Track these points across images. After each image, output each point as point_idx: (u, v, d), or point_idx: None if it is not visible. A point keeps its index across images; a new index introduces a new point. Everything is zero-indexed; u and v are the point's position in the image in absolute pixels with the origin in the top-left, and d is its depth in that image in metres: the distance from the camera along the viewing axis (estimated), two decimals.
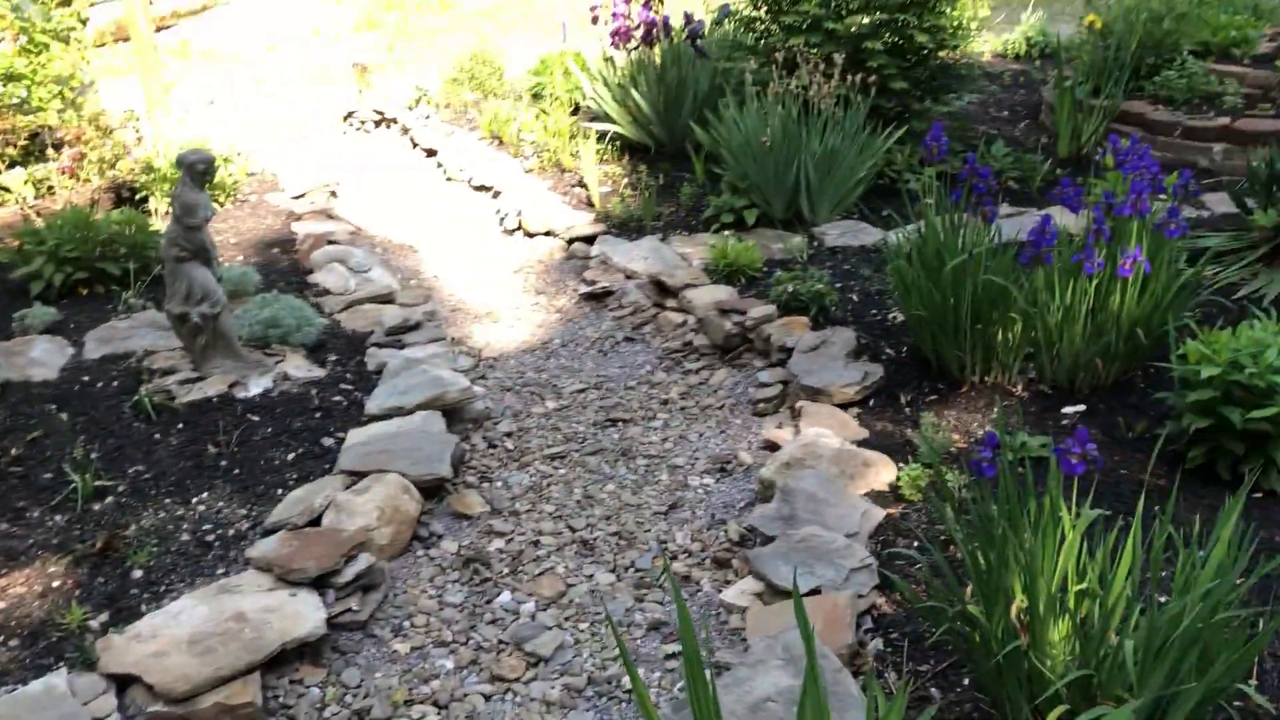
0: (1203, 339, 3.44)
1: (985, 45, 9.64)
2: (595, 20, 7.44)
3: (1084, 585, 2.43)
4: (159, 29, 15.70)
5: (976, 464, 2.55)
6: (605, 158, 7.18)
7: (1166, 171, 4.18)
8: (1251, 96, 6.40)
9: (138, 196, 6.54)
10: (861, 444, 3.82)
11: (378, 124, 9.18)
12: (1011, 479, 2.44)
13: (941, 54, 6.55)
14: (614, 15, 7.10)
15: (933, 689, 2.69)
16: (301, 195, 7.13)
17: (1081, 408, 3.89)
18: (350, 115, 9.29)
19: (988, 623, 2.42)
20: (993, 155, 6.42)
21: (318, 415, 4.20)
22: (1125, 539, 2.39)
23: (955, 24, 6.59)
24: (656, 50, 7.06)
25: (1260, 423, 3.24)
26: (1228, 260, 4.93)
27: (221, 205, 6.90)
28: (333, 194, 7.29)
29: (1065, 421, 3.86)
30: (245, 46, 15.10)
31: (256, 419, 4.14)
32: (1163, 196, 3.99)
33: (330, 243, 6.03)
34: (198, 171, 4.14)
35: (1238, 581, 2.32)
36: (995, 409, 3.94)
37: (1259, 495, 3.34)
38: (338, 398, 4.34)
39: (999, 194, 5.33)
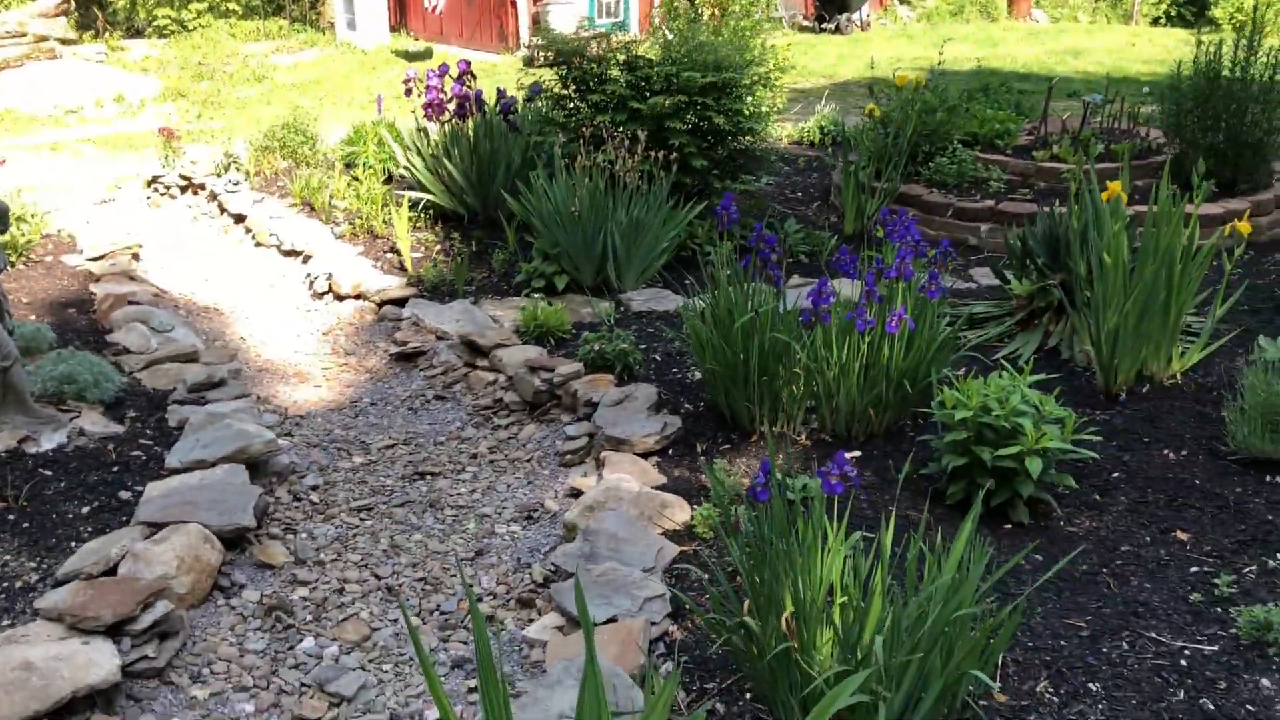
0: (958, 387, 3.83)
1: (784, 132, 10.29)
2: (409, 92, 7.63)
3: (845, 598, 2.69)
4: None
5: (752, 489, 2.79)
6: (419, 225, 7.31)
7: (935, 246, 4.63)
8: (1013, 182, 7.10)
9: None
10: (660, 488, 4.03)
11: (184, 189, 9.03)
12: (781, 501, 2.68)
13: (740, 137, 7.00)
14: (428, 88, 7.30)
15: (717, 704, 2.88)
16: (100, 257, 6.95)
17: (858, 453, 4.23)
18: (155, 180, 9.11)
19: (761, 632, 2.64)
20: (786, 231, 6.88)
21: (115, 469, 4.12)
22: (878, 559, 2.66)
23: (753, 110, 7.07)
24: (470, 123, 7.28)
25: (1006, 460, 3.63)
26: (990, 325, 5.45)
27: (13, 265, 6.66)
28: (135, 256, 7.14)
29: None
30: (43, 109, 14.57)
31: (49, 473, 4.03)
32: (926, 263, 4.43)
33: (131, 303, 5.91)
34: None
35: (979, 587, 2.61)
36: (780, 455, 4.23)
37: (1009, 526, 3.72)
38: (136, 452, 4.27)
39: (786, 263, 5.73)
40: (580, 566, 3.48)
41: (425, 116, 7.39)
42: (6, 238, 6.53)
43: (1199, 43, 6.81)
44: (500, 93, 7.48)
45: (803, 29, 19.54)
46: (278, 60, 18.18)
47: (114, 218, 8.51)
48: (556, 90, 7.14)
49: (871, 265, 4.41)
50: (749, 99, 7.03)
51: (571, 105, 7.13)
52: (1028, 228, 5.43)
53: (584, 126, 6.50)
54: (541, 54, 6.96)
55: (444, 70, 7.41)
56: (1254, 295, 5.67)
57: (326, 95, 15.43)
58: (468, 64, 7.37)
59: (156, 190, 9.05)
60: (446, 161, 7.18)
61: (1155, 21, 25.85)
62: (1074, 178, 6.99)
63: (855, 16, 19.65)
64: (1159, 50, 17.68)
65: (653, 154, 6.33)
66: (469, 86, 7.33)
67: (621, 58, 6.78)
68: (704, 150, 6.80)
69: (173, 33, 20.89)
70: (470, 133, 7.24)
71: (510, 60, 17.22)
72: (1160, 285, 4.45)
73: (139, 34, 21.39)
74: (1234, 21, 21.80)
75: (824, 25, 19.45)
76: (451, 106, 7.30)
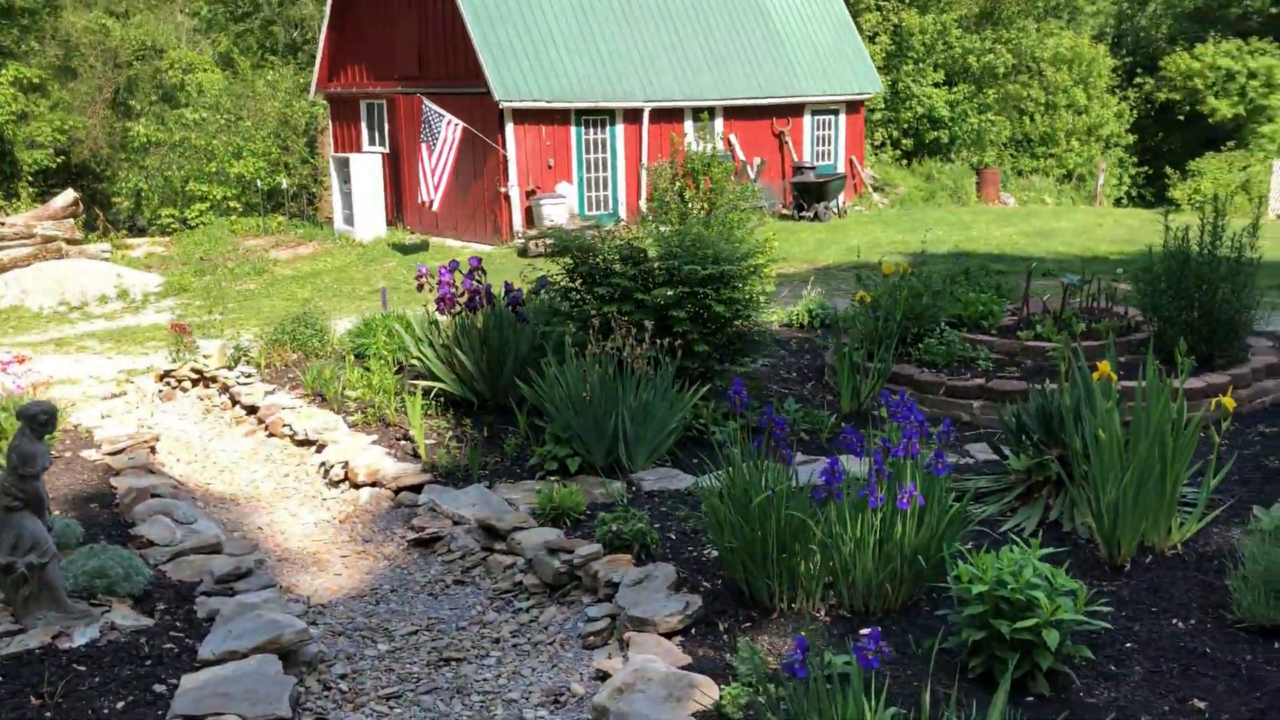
0: (972, 561, 3.97)
1: (773, 316, 10.69)
2: (420, 287, 7.98)
3: None
4: None
5: (789, 666, 2.91)
6: (430, 412, 7.52)
7: (934, 424, 4.86)
8: (1000, 361, 7.42)
9: None
10: (686, 668, 4.11)
11: (195, 383, 9.26)
12: (820, 676, 2.80)
13: (737, 323, 7.34)
14: (440, 283, 7.65)
15: None
16: (119, 451, 7.11)
17: (877, 629, 4.32)
18: (168, 374, 9.35)
19: None
20: (786, 410, 7.13)
21: (148, 663, 4.18)
22: None
23: (748, 297, 7.43)
24: (480, 315, 7.60)
25: (1024, 632, 3.75)
26: (991, 499, 5.63)
27: None
28: (151, 450, 7.29)
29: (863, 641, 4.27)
30: (48, 306, 14.97)
31: (83, 669, 4.08)
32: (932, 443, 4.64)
33: (154, 495, 6.04)
34: (39, 423, 4.25)
35: None
36: (801, 631, 4.33)
37: (1030, 698, 3.80)
38: (169, 645, 4.33)
39: (794, 442, 5.95)
40: None
41: (438, 309, 7.71)
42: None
43: (1166, 227, 7.25)
44: (508, 286, 7.83)
45: (782, 217, 20.40)
46: (277, 254, 18.80)
47: (127, 411, 8.70)
48: (564, 283, 7.50)
49: (877, 444, 4.62)
50: (745, 287, 7.39)
51: (576, 296, 7.48)
52: (1022, 405, 5.68)
53: (592, 316, 6.81)
54: (539, 244, 7.36)
55: (454, 265, 7.79)
56: (1242, 465, 5.88)
57: (326, 287, 15.91)
58: (479, 260, 7.76)
59: (168, 383, 9.28)
60: (458, 351, 7.46)
61: (1118, 202, 27.11)
62: (1060, 356, 7.33)
63: (832, 204, 20.56)
64: (1124, 230, 18.53)
65: (658, 341, 6.63)
66: (479, 281, 7.68)
67: (626, 253, 7.16)
68: (705, 336, 7.11)
69: (175, 230, 21.65)
70: (480, 324, 7.54)
71: (503, 250, 17.88)
72: (1155, 459, 4.67)
73: (142, 233, 22.15)
74: (1192, 202, 22.88)
75: (803, 213, 20.33)
76: (463, 300, 7.64)
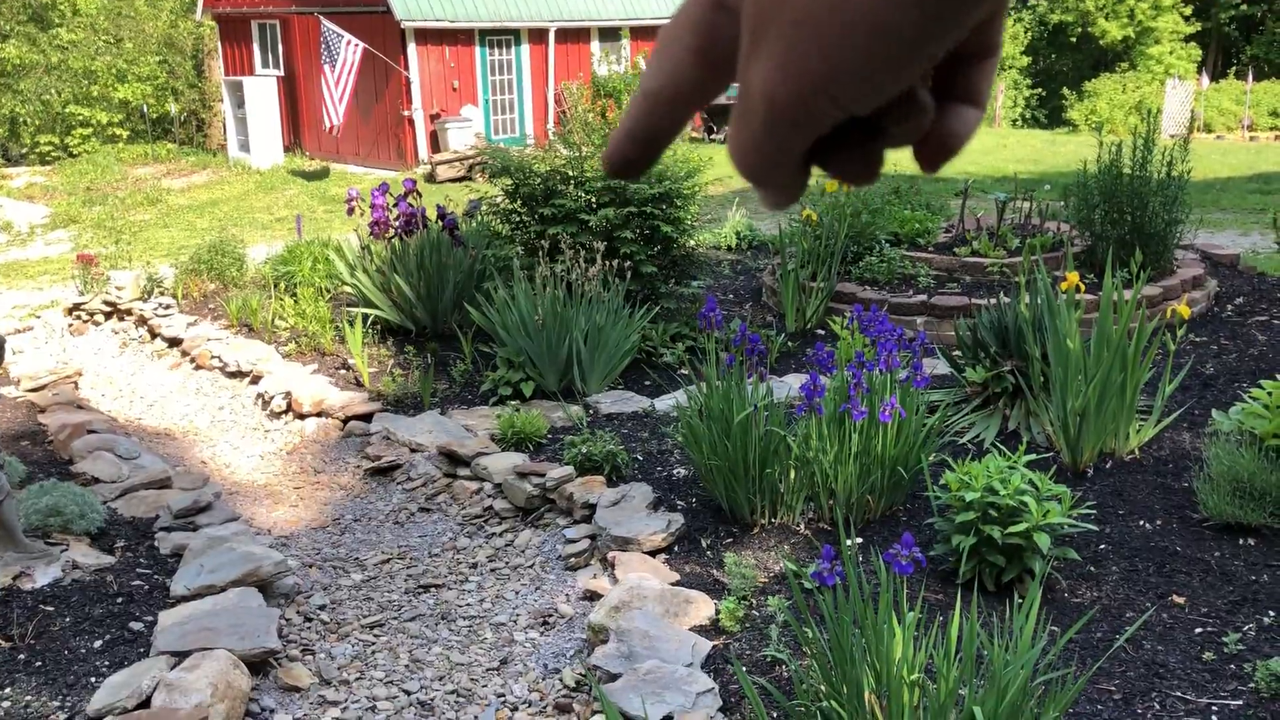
0: (960, 470, 4.04)
1: (700, 238, 10.64)
2: (351, 211, 7.70)
3: (915, 676, 2.81)
4: None
5: (819, 575, 2.91)
6: (368, 342, 7.32)
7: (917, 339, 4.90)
8: (940, 277, 7.52)
9: None
10: (675, 585, 4.11)
11: (108, 316, 8.84)
12: (855, 583, 2.81)
13: (683, 242, 7.27)
14: (373, 206, 7.39)
15: None
16: (41, 387, 6.76)
17: (859, 540, 4.39)
18: (77, 307, 8.90)
19: (845, 714, 2.74)
20: (733, 331, 7.11)
21: (119, 601, 4.00)
22: (943, 635, 2.80)
23: (693, 217, 7.37)
24: (414, 239, 7.38)
25: (1015, 537, 3.83)
26: (948, 411, 5.73)
27: None
28: (74, 385, 6.95)
29: (848, 553, 4.32)
30: None
31: (51, 609, 3.89)
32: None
33: (90, 431, 5.76)
34: None
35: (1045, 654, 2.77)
36: (787, 545, 4.37)
37: (1020, 600, 3.91)
38: (138, 582, 4.16)
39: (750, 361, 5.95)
40: (626, 666, 3.52)
41: (371, 234, 7.47)
42: None
43: (1100, 144, 7.38)
44: (440, 209, 7.62)
45: (693, 140, 20.28)
46: (170, 183, 17.99)
47: (36, 348, 8.28)
48: (504, 205, 7.32)
49: (850, 357, 4.64)
50: (691, 208, 7.32)
51: (517, 219, 7.32)
52: (979, 318, 5.76)
53: (541, 238, 6.67)
54: (449, 169, 7.15)
55: (385, 188, 7.53)
56: (1177, 373, 6.09)
57: (227, 216, 15.31)
58: (413, 183, 7.51)
59: (78, 317, 8.84)
60: (396, 277, 7.24)
61: (1014, 124, 27.66)
62: (995, 270, 7.46)
63: None
64: (1028, 150, 18.93)
65: (606, 263, 6.53)
66: (413, 204, 7.45)
67: (572, 173, 7.01)
68: (651, 257, 7.03)
69: (57, 159, 20.53)
70: (415, 248, 7.33)
71: (408, 176, 17.42)
72: (1117, 367, 4.79)
73: (18, 162, 20.93)
74: (1089, 122, 23.45)
75: (713, 136, 20.24)
76: (397, 224, 7.40)
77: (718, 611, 3.90)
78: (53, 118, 20.99)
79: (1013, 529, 3.81)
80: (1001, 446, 5.00)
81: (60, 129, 21.07)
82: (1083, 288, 5.02)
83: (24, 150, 21.43)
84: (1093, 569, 4.10)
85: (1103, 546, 4.25)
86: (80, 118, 20.69)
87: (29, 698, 3.39)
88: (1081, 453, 4.88)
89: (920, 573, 3.89)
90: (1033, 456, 4.18)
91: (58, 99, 20.73)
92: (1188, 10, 27.23)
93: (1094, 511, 4.31)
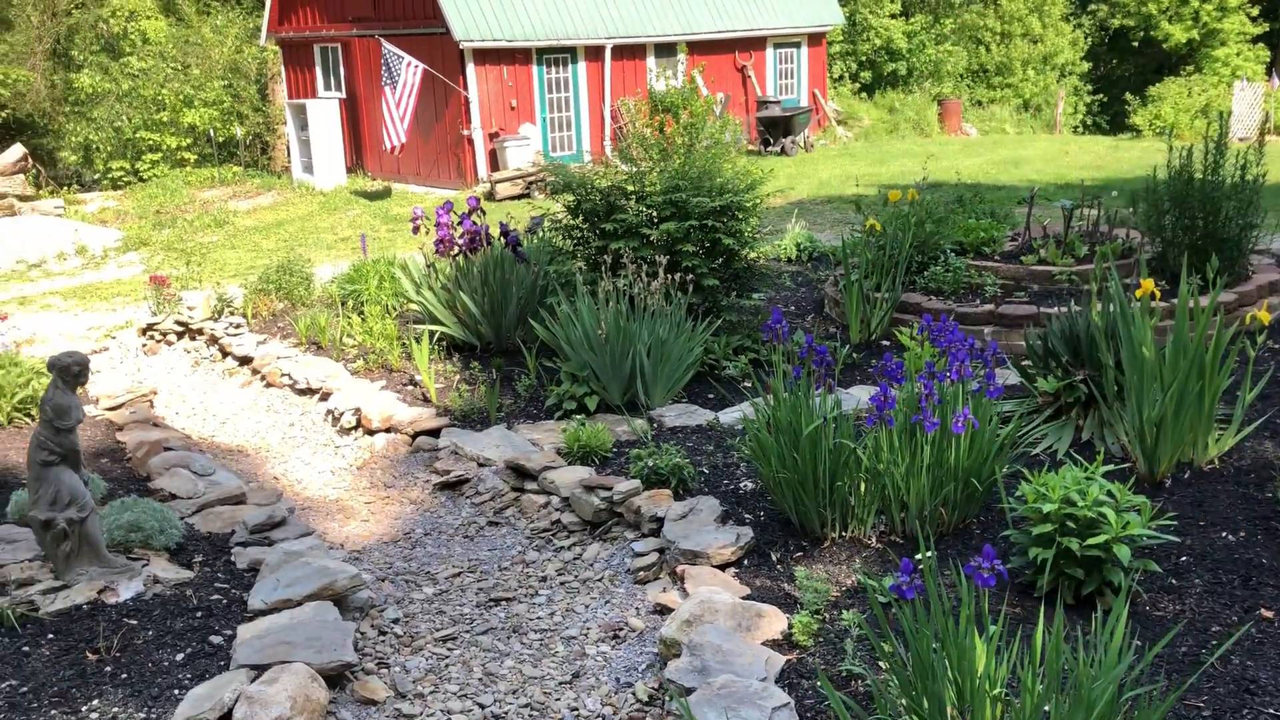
0: (1036, 482, 3.97)
1: (759, 250, 10.61)
2: (416, 230, 7.81)
3: (998, 691, 2.77)
4: None
5: (897, 588, 2.88)
6: (433, 357, 7.39)
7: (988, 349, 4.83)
8: (1007, 286, 7.42)
9: None
10: (746, 599, 4.08)
11: (180, 335, 9.04)
12: (936, 596, 2.78)
13: (745, 254, 7.26)
14: (438, 225, 7.48)
15: None
16: (118, 405, 6.92)
17: (931, 553, 4.33)
18: (150, 328, 9.11)
19: None
20: (795, 342, 7.07)
21: (199, 615, 4.07)
22: (1026, 650, 2.75)
23: (753, 230, 7.36)
24: (478, 256, 7.45)
25: (1094, 549, 3.76)
26: (1017, 422, 5.64)
27: (32, 418, 6.59)
28: (150, 404, 7.11)
29: (921, 566, 4.27)
30: (5, 264, 14.52)
31: (134, 622, 3.97)
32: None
33: (167, 449, 5.88)
34: (71, 374, 4.09)
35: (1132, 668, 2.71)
36: (858, 558, 4.32)
37: (1101, 614, 3.83)
38: (216, 596, 4.23)
39: (817, 372, 5.91)
40: (699, 681, 3.51)
41: (436, 251, 7.55)
42: (28, 391, 6.49)
43: (1170, 148, 7.24)
44: (504, 226, 7.68)
45: (749, 152, 20.25)
46: (236, 205, 18.35)
47: (112, 367, 8.48)
48: (565, 221, 7.37)
49: (920, 367, 4.59)
50: (752, 220, 7.31)
51: (579, 234, 7.36)
52: (1049, 327, 5.68)
53: (603, 253, 6.70)
54: (510, 186, 7.21)
55: (449, 207, 7.61)
56: (1258, 380, 5.94)
57: (292, 236, 15.57)
58: (477, 200, 7.59)
59: (151, 337, 9.05)
60: (461, 294, 7.32)
61: (1075, 130, 27.25)
62: (1064, 278, 7.34)
63: (798, 138, 20.44)
64: (1090, 156, 18.64)
65: (668, 276, 6.54)
66: (478, 222, 7.52)
67: (631, 189, 7.03)
68: (713, 270, 7.03)
69: (128, 183, 21.04)
70: (480, 266, 7.40)
71: (468, 194, 17.57)
72: (1194, 375, 4.69)
73: (90, 187, 21.48)
74: (1153, 128, 23.03)
75: (769, 148, 20.20)
76: (462, 242, 7.48)
77: (790, 626, 3.87)
78: (124, 144, 21.53)
79: (1091, 541, 3.74)
80: (1076, 456, 4.92)
81: (131, 154, 21.59)
82: (1158, 294, 4.92)
83: (97, 176, 22.02)
84: (1174, 581, 4.01)
85: (1184, 559, 4.16)
86: (150, 143, 21.20)
87: (115, 709, 3.46)
88: (1159, 463, 4.78)
89: (999, 586, 3.83)
90: (1110, 467, 4.10)
91: (128, 125, 21.27)
92: (1255, 11, 26.63)
93: (1174, 523, 4.21)
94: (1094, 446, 5.28)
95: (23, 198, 16.57)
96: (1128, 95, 25.69)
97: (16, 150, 17.12)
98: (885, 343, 7.33)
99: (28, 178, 17.25)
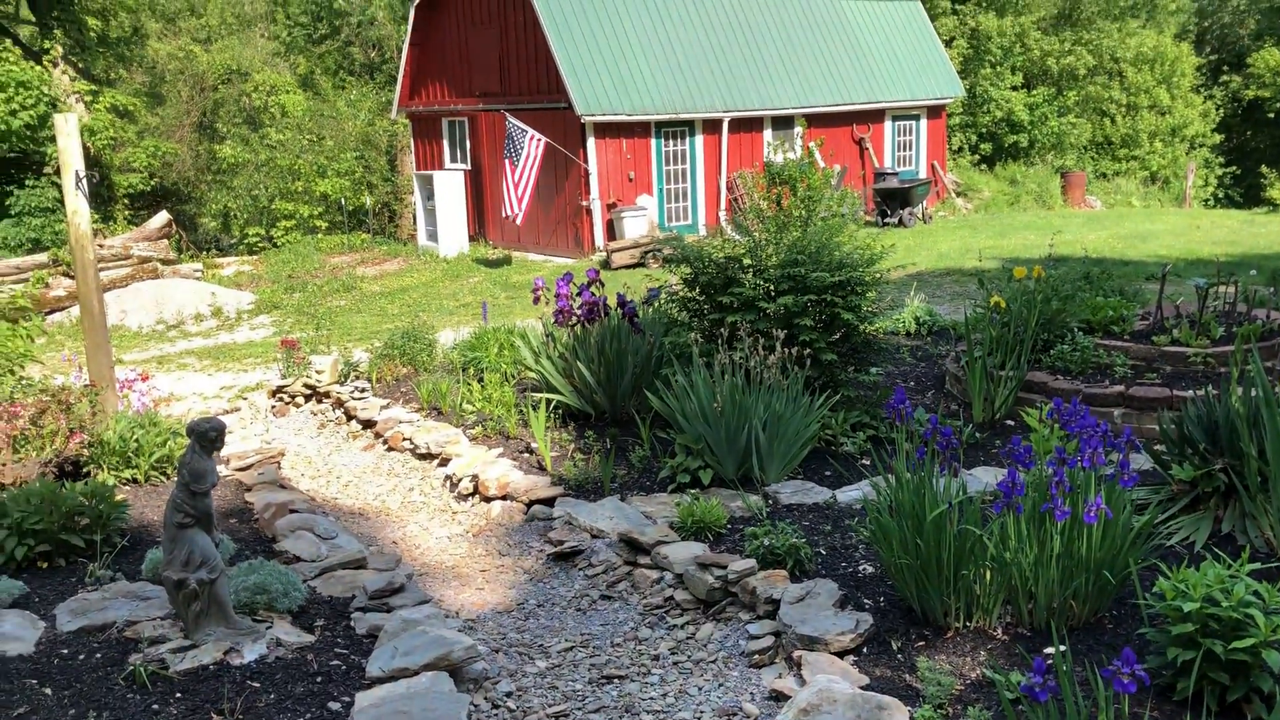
0: (1175, 578, 3.78)
1: (878, 324, 10.50)
2: (537, 300, 7.95)
3: None
4: (50, 310, 15.79)
5: (1029, 689, 2.76)
6: (548, 425, 7.47)
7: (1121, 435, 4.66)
8: (1137, 367, 7.17)
9: (82, 470, 6.49)
10: (864, 689, 3.96)
11: (309, 398, 9.33)
12: (1071, 700, 2.65)
13: (864, 329, 7.18)
14: (558, 296, 7.60)
15: None
16: (248, 466, 7.15)
17: (1064, 648, 4.15)
18: (280, 390, 9.42)
19: None
20: (917, 421, 6.94)
21: (319, 680, 4.14)
22: None
23: (872, 304, 7.28)
24: (595, 326, 7.54)
25: (1240, 653, 3.55)
26: (1150, 511, 5.40)
27: (168, 477, 6.86)
28: (278, 465, 7.32)
29: (1050, 661, 4.10)
30: (147, 324, 15.25)
31: (257, 685, 4.06)
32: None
33: (293, 511, 6.04)
34: (209, 440, 4.25)
35: None
36: (983, 650, 4.17)
37: None
38: (335, 661, 4.30)
39: (941, 454, 5.77)
40: None
41: (555, 321, 7.67)
42: (165, 450, 6.75)
43: None
44: (621, 297, 7.76)
45: (866, 224, 20.15)
46: (363, 271, 18.99)
47: (243, 427, 8.78)
48: (683, 293, 7.41)
49: (1049, 453, 4.44)
50: (870, 294, 7.24)
51: (695, 306, 7.38)
52: (1185, 411, 5.45)
53: (719, 326, 6.70)
54: (625, 255, 7.28)
55: (569, 278, 7.74)
56: None
57: (416, 303, 16.01)
58: (596, 272, 7.71)
59: (281, 399, 9.36)
60: (577, 363, 7.40)
61: (1205, 203, 26.42)
62: (1199, 360, 7.06)
63: (916, 210, 20.28)
64: (1223, 231, 18.00)
65: (785, 350, 6.50)
66: (596, 293, 7.63)
67: (748, 261, 7.05)
68: (831, 344, 6.97)
69: (262, 249, 21.98)
70: (596, 336, 7.48)
71: (585, 263, 17.87)
72: None
73: (227, 252, 22.51)
74: None
75: (886, 220, 20.08)
76: (580, 312, 7.58)
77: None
78: (260, 211, 22.56)
79: (1237, 645, 3.53)
80: (1216, 550, 4.69)
81: (266, 221, 22.62)
82: None
83: (234, 241, 23.09)
84: None
85: None
86: (284, 211, 22.17)
87: None
88: None
89: (1140, 689, 3.64)
90: (1256, 566, 3.88)
91: (265, 194, 22.28)
92: None
93: None
94: (1234, 539, 5.02)
95: (165, 261, 17.43)
96: (1263, 168, 24.84)
97: (162, 217, 18.05)
98: (1009, 422, 7.13)
99: (171, 243, 18.15)
